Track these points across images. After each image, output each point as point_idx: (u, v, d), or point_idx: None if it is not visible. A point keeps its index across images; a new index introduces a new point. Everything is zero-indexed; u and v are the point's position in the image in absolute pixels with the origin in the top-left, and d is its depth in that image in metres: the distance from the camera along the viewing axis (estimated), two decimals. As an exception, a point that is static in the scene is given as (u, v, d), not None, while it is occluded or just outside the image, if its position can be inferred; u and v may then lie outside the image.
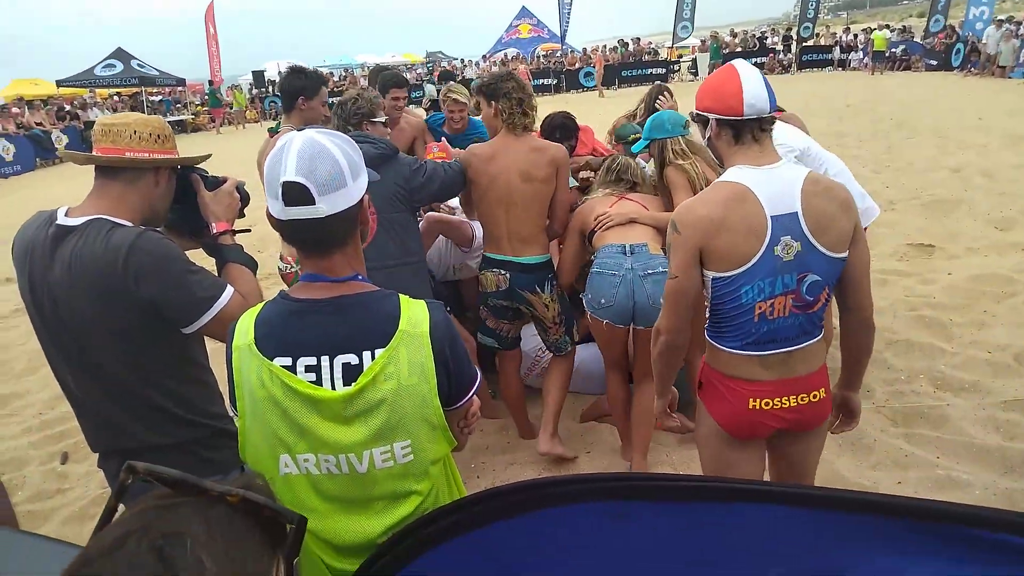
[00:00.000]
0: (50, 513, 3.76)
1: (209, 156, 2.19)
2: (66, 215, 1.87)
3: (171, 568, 0.67)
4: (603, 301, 3.28)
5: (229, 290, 1.91)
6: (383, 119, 3.44)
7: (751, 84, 2.02)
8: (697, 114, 2.17)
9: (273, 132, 4.04)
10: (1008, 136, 11.14)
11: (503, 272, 3.52)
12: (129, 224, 1.87)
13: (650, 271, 3.22)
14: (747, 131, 2.06)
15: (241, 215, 2.19)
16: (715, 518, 1.43)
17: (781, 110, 4.90)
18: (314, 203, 1.41)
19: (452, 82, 5.48)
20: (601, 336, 3.47)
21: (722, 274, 2.03)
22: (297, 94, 3.77)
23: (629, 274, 3.24)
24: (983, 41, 22.64)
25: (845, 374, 2.31)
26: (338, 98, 3.48)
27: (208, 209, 2.09)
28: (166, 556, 0.68)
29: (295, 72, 3.92)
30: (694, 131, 3.05)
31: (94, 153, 1.90)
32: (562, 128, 4.38)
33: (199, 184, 2.09)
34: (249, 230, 2.22)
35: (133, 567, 0.67)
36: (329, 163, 1.42)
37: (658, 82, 5.04)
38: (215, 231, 2.08)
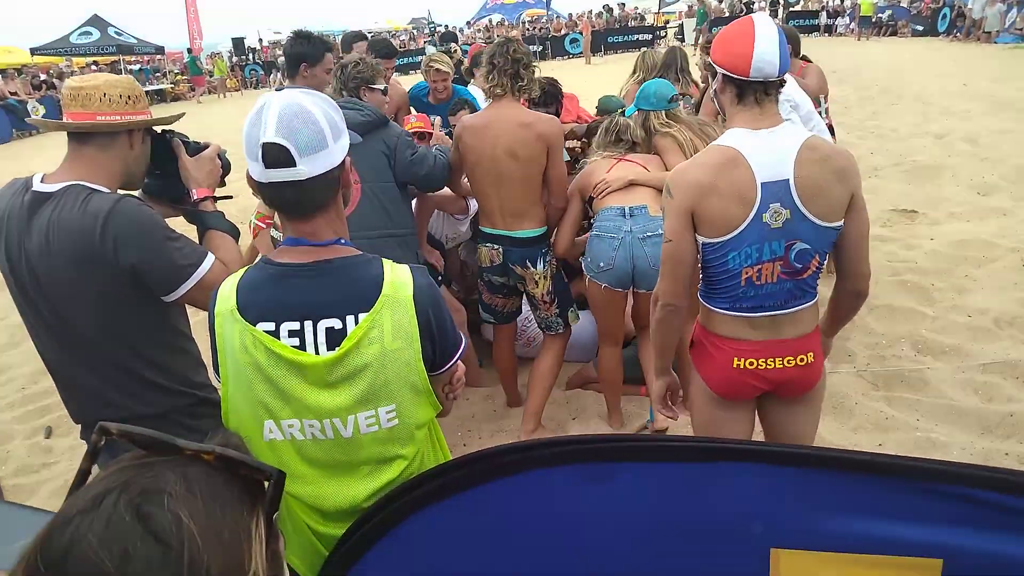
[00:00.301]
0: (35, 487, 3.75)
1: (183, 115, 2.15)
2: (42, 181, 1.84)
3: (149, 525, 0.68)
4: (602, 264, 3.25)
5: (210, 258, 1.90)
6: (383, 87, 3.38)
7: (764, 46, 1.96)
8: (708, 63, 2.14)
9: None
10: (991, 102, 11.17)
11: (496, 247, 3.46)
12: (106, 190, 1.84)
13: (649, 233, 3.18)
14: (751, 92, 2.02)
15: (222, 184, 2.17)
16: (696, 477, 1.45)
17: (807, 60, 4.95)
18: (295, 165, 1.40)
19: (437, 49, 5.41)
20: (598, 301, 3.44)
21: (711, 240, 2.03)
22: (300, 60, 3.63)
23: (628, 237, 3.21)
24: (969, 7, 22.58)
25: (824, 324, 2.31)
26: (339, 62, 3.40)
27: (189, 174, 2.05)
28: (143, 513, 0.68)
29: (300, 37, 3.73)
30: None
31: (64, 118, 1.86)
32: (544, 94, 4.29)
33: (180, 149, 2.06)
34: (231, 197, 2.20)
35: (111, 525, 0.67)
36: (309, 124, 1.41)
37: (673, 45, 4.96)
38: (196, 197, 2.05)
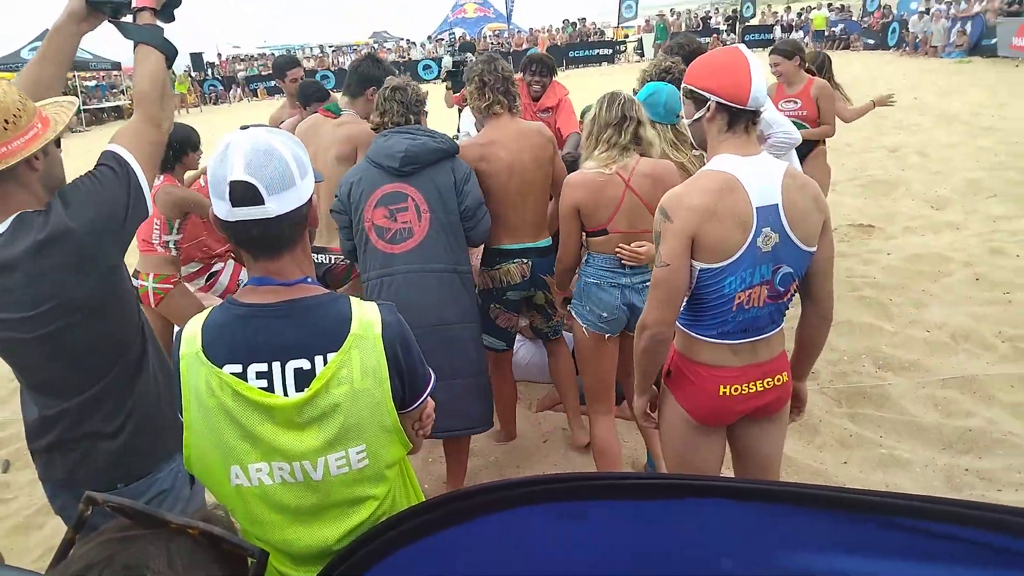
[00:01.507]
0: (-9, 524, 3.63)
1: (77, 100, 2.06)
2: None
3: None
4: (605, 315, 3.02)
5: (120, 149, 1.89)
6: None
7: (758, 76, 2.01)
8: (692, 90, 2.11)
9: (331, 111, 3.94)
10: (940, 115, 11.52)
11: (525, 260, 3.39)
12: (45, 209, 1.79)
13: (646, 281, 2.89)
14: (742, 121, 2.05)
15: (170, 17, 2.10)
16: (667, 514, 1.46)
17: (813, 73, 5.13)
18: (263, 203, 1.39)
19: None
20: (589, 353, 3.15)
21: (710, 265, 2.04)
22: (369, 83, 3.67)
23: (628, 287, 3.00)
24: (910, 30, 23.44)
25: (796, 365, 2.34)
26: (386, 86, 3.27)
27: None
28: None
29: (373, 60, 3.79)
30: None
31: None
32: (539, 63, 4.60)
33: None
34: (172, 20, 2.12)
35: None
36: (277, 162, 1.40)
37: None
38: (135, 5, 2.00)
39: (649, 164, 2.94)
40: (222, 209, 1.41)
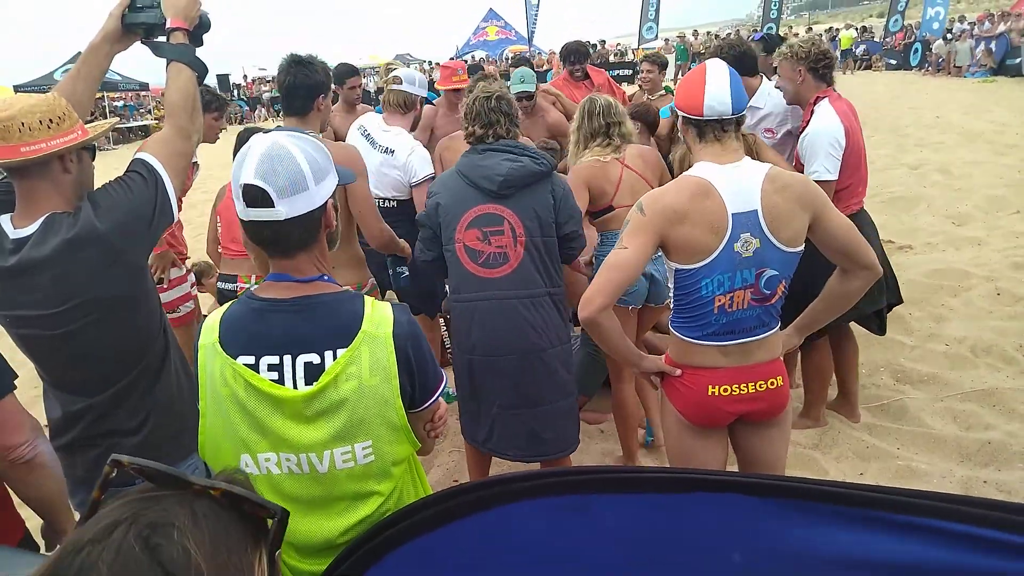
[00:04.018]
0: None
1: (117, 120, 2.18)
2: (15, 228, 1.84)
3: (158, 556, 0.69)
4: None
5: (149, 158, 1.97)
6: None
7: (714, 87, 2.12)
8: (672, 108, 2.24)
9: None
10: (963, 133, 11.41)
11: None
12: (74, 211, 1.85)
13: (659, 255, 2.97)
14: (709, 130, 2.16)
15: (199, 41, 2.21)
16: (674, 507, 1.46)
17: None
18: (273, 206, 1.42)
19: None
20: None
21: (684, 266, 2.11)
22: (317, 92, 2.93)
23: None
24: (933, 52, 23.36)
25: (807, 315, 2.34)
26: (488, 94, 2.93)
27: (169, 2, 2.12)
28: (153, 545, 0.69)
29: (301, 64, 2.93)
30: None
31: None
32: (574, 52, 5.49)
33: None
34: (201, 44, 2.23)
35: (120, 554, 0.68)
36: (290, 166, 1.43)
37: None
38: (169, 26, 2.10)
39: (636, 147, 3.42)
40: (239, 208, 1.46)
